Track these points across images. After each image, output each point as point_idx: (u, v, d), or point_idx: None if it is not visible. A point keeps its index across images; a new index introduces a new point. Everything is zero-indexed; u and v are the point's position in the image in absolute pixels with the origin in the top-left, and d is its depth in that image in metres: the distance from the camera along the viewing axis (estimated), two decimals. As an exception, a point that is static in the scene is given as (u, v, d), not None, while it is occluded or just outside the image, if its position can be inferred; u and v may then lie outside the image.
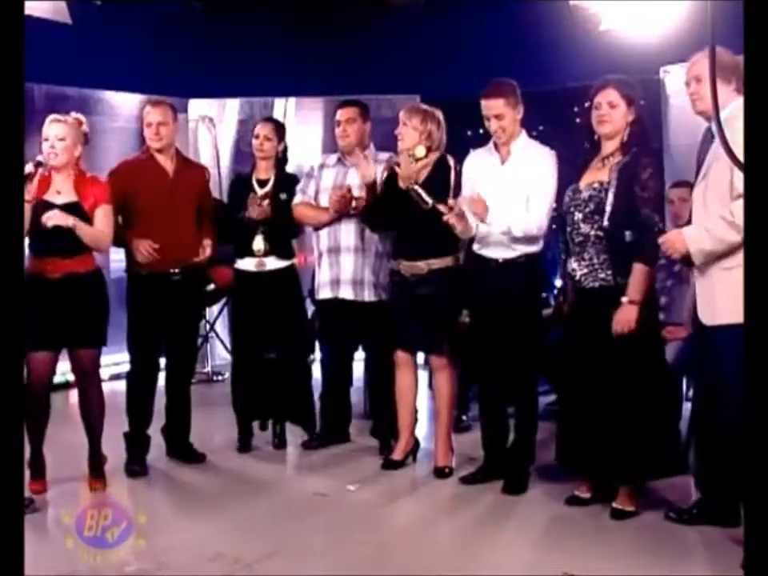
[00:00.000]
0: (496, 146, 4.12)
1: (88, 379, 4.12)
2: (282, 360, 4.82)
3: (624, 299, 3.55)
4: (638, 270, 3.56)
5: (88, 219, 4.02)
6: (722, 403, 3.29)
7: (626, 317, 3.54)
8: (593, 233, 3.66)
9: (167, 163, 4.49)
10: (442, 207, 4.09)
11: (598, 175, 3.69)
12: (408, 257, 4.28)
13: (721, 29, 2.18)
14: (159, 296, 4.41)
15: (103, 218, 4.05)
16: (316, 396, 4.97)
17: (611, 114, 3.68)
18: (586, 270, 3.69)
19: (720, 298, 3.22)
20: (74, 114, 4.15)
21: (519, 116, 4.06)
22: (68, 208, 3.96)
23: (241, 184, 4.89)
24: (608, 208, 3.59)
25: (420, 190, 4.13)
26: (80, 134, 4.10)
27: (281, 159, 4.88)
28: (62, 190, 3.99)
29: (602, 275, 3.65)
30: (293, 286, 4.84)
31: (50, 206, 3.92)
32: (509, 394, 4.17)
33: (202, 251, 4.48)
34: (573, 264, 3.74)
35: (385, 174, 4.47)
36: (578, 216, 3.70)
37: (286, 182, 4.84)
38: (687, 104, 5.98)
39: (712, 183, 3.26)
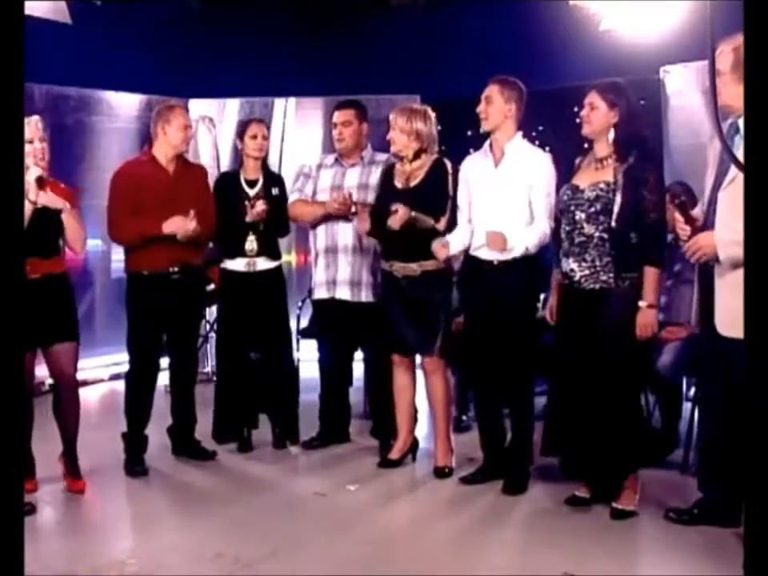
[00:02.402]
0: (491, 147, 4.12)
1: (66, 379, 4.09)
2: (270, 360, 4.81)
3: (642, 304, 3.62)
4: (653, 274, 3.64)
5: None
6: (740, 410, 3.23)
7: (648, 321, 3.64)
8: (597, 234, 3.65)
9: (169, 165, 4.49)
10: (440, 226, 4.15)
11: (601, 176, 3.69)
12: (401, 258, 4.28)
13: (721, 29, 2.19)
14: (159, 296, 4.41)
15: (70, 222, 4.02)
16: (314, 396, 4.97)
17: (590, 116, 3.73)
18: (587, 272, 3.69)
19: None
20: (33, 117, 4.07)
21: (510, 113, 4.04)
22: (46, 210, 3.91)
23: (228, 183, 4.82)
24: (616, 209, 3.60)
25: (422, 217, 4.15)
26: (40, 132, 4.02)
27: (265, 158, 4.87)
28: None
29: (604, 277, 3.65)
30: (281, 286, 4.84)
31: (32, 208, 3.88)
32: (505, 394, 4.18)
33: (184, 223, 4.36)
34: (571, 264, 3.73)
35: (381, 176, 4.49)
36: (581, 216, 3.69)
37: (275, 182, 4.85)
38: (687, 104, 6.00)
39: None
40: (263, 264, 4.73)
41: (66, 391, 4.12)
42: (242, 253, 4.69)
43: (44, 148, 3.92)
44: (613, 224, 3.61)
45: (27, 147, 3.88)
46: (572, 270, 3.73)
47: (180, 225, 4.32)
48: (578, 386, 3.72)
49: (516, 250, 3.93)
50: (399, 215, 4.10)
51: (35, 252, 3.92)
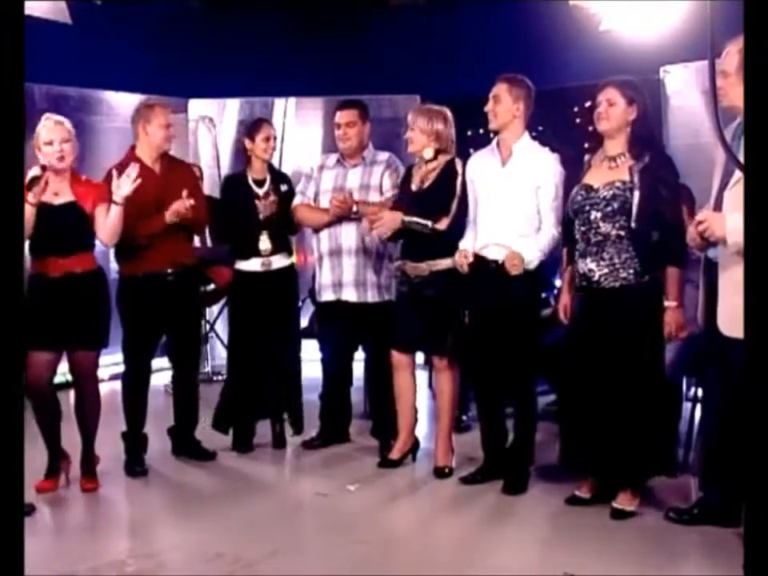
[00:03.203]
0: (498, 146, 4.12)
1: (85, 381, 4.12)
2: (284, 358, 4.83)
3: (672, 304, 3.63)
4: (676, 273, 3.64)
5: (86, 219, 4.04)
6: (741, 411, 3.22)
7: (676, 319, 3.64)
8: (614, 232, 3.63)
9: (155, 165, 4.47)
10: (440, 225, 4.15)
11: (616, 175, 3.66)
12: (412, 258, 4.29)
13: (721, 29, 2.19)
14: (154, 297, 4.40)
15: (107, 214, 4.07)
16: (314, 396, 4.97)
17: (609, 112, 3.69)
18: (606, 270, 3.66)
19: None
20: (60, 117, 4.12)
21: (519, 113, 4.03)
22: (66, 208, 3.99)
23: (235, 184, 4.84)
24: (635, 208, 3.59)
25: (417, 220, 4.16)
26: (67, 133, 4.08)
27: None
28: (59, 192, 4.01)
29: (623, 275, 3.64)
30: (294, 284, 4.87)
31: (49, 207, 3.93)
32: (507, 394, 4.18)
33: (181, 203, 4.35)
34: (589, 264, 3.69)
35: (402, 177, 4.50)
36: (597, 215, 3.66)
37: (282, 180, 4.86)
38: (687, 104, 6.00)
39: None
40: (278, 262, 4.75)
41: (86, 388, 4.14)
42: (256, 253, 4.70)
43: (63, 149, 3.97)
44: (633, 224, 3.59)
45: (48, 149, 3.95)
46: (591, 270, 3.70)
47: (181, 211, 4.28)
48: (599, 387, 3.69)
49: (532, 264, 3.94)
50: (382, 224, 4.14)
51: (54, 251, 3.94)
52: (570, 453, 3.87)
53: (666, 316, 3.64)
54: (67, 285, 3.98)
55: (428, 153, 4.26)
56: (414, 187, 4.30)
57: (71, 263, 4.02)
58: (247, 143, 4.79)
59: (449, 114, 4.31)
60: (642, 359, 3.64)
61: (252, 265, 4.73)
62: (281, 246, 4.76)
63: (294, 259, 4.93)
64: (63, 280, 3.98)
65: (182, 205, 4.32)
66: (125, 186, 4.02)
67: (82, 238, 4.06)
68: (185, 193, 4.35)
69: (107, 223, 4.06)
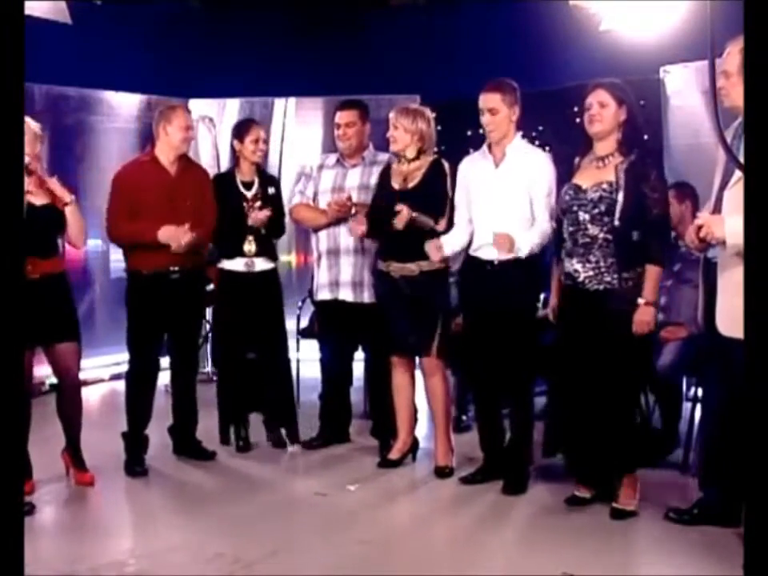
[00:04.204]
0: (490, 148, 4.12)
1: (69, 376, 4.12)
2: (266, 361, 4.83)
3: (641, 301, 3.60)
4: (653, 272, 3.62)
5: (64, 221, 4.07)
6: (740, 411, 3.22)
7: (646, 318, 3.61)
8: (602, 234, 3.64)
9: (171, 166, 4.50)
10: (439, 227, 4.16)
11: (603, 176, 3.68)
12: (398, 258, 4.28)
13: (721, 29, 2.19)
14: (159, 295, 4.42)
15: (73, 216, 4.10)
16: (314, 396, 4.97)
17: (601, 114, 3.70)
18: (591, 273, 3.68)
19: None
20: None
21: (514, 117, 4.05)
22: (45, 210, 4.00)
23: (224, 185, 4.79)
24: (618, 208, 3.60)
25: (422, 218, 4.16)
26: (33, 134, 4.06)
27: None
28: (33, 192, 4.00)
29: (608, 278, 3.65)
30: (278, 287, 4.86)
31: (30, 208, 3.92)
32: (505, 395, 4.18)
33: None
34: (575, 265, 3.72)
35: (379, 176, 4.50)
36: (585, 217, 3.68)
37: (270, 182, 4.86)
38: (687, 104, 6.00)
39: None
40: (262, 265, 4.74)
41: (69, 389, 4.14)
42: (240, 253, 4.70)
43: None
44: (616, 222, 3.60)
45: None
46: (576, 271, 3.72)
47: (174, 236, 4.31)
48: (580, 386, 3.72)
49: (521, 252, 3.93)
50: (403, 215, 4.10)
51: (33, 252, 3.94)
52: (554, 444, 3.92)
53: (635, 314, 3.61)
54: (45, 285, 3.99)
55: (411, 152, 4.26)
56: (396, 186, 4.30)
57: (49, 265, 4.03)
58: (236, 144, 4.78)
59: (429, 113, 4.34)
60: (622, 361, 3.63)
61: (235, 264, 4.72)
62: (264, 249, 4.75)
63: (278, 263, 4.92)
64: (41, 281, 3.97)
65: (179, 237, 4.33)
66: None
67: (57, 240, 4.11)
68: (186, 226, 4.35)
69: (74, 224, 4.09)
